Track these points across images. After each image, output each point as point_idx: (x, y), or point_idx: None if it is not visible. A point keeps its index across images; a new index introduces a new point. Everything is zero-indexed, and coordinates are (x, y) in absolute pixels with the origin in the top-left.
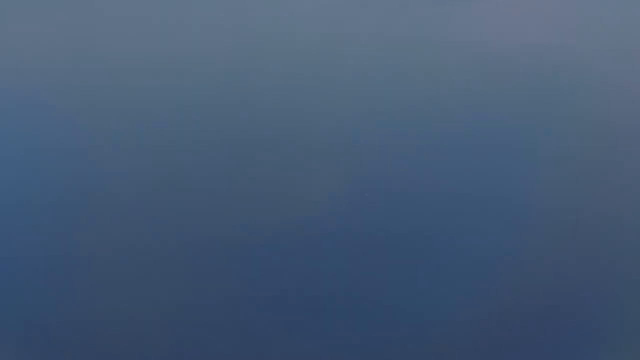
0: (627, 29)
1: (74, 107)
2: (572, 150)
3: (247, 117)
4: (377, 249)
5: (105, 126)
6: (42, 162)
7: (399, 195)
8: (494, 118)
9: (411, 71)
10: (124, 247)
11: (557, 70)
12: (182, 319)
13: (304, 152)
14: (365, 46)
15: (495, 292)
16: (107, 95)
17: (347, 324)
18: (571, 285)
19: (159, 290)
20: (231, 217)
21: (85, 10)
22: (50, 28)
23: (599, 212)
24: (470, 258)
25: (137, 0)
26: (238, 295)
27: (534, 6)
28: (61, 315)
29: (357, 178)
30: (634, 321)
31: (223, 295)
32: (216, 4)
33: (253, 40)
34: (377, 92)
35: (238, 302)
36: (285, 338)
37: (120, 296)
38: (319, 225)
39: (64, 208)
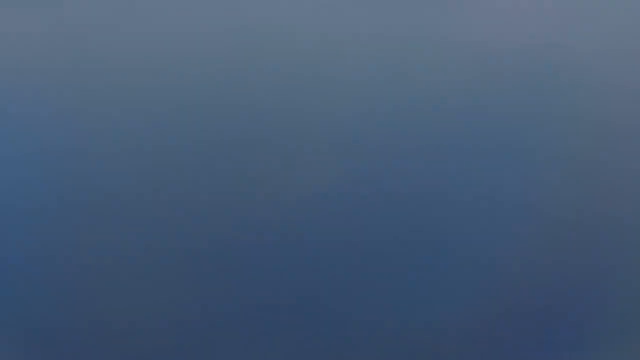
0: (629, 28)
1: (71, 107)
2: (573, 150)
3: (246, 117)
4: (377, 249)
5: (103, 126)
6: (40, 162)
7: (399, 196)
8: (494, 118)
9: (409, 70)
10: (122, 247)
11: (558, 69)
12: (180, 319)
13: (302, 152)
14: (363, 44)
15: (495, 292)
16: (105, 95)
17: (347, 325)
18: (571, 285)
19: (157, 291)
20: (230, 218)
21: (86, 8)
22: (48, 27)
23: (599, 212)
24: (471, 258)
25: None
26: (237, 296)
27: (534, 5)
28: (61, 317)
29: (356, 178)
30: (634, 321)
31: (221, 296)
32: (215, 3)
33: (252, 40)
34: (375, 91)
35: (237, 303)
36: (282, 340)
37: (120, 298)
38: (318, 225)
39: (61, 209)
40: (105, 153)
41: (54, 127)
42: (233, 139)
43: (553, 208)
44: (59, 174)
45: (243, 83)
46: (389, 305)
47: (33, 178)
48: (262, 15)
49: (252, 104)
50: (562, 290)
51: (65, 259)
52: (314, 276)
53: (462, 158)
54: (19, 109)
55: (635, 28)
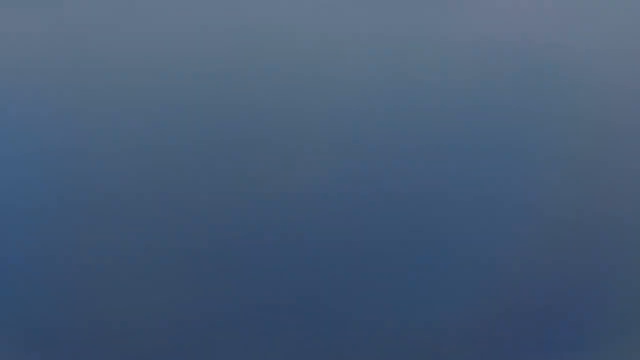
0: (629, 28)
1: (71, 107)
2: (573, 150)
3: (246, 117)
4: (377, 249)
5: (103, 126)
6: (40, 162)
7: (399, 196)
8: (494, 118)
9: (409, 70)
10: (122, 247)
11: (558, 69)
12: (180, 319)
13: (302, 152)
14: (363, 44)
15: (495, 292)
16: (105, 95)
17: (347, 325)
18: (571, 285)
19: (157, 291)
20: (230, 218)
21: (86, 8)
22: (48, 27)
23: (599, 212)
24: (471, 258)
25: None
26: (237, 296)
27: (534, 5)
28: (61, 317)
29: (356, 178)
30: (634, 321)
31: (221, 296)
32: (215, 3)
33: (252, 40)
34: (375, 91)
35: (237, 303)
36: (282, 340)
37: (120, 298)
38: (318, 225)
39: (61, 209)
40: (105, 153)
41: (54, 127)
42: (233, 139)
43: (553, 208)
44: (59, 174)
45: (243, 83)
46: (389, 305)
47: (33, 178)
48: (262, 16)
49: (252, 104)
50: (562, 290)
51: (65, 259)
52: (314, 276)
53: (462, 158)
54: (19, 109)
55: (635, 28)
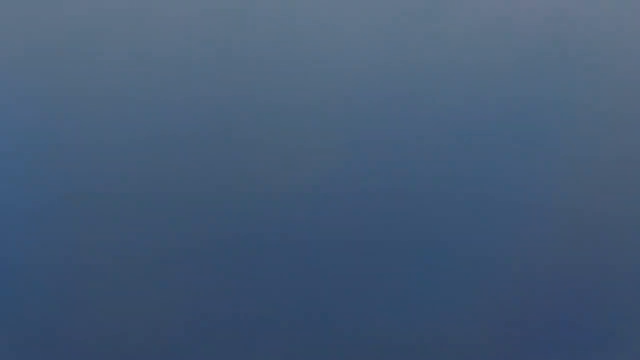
0: None
1: (71, 106)
2: (580, 147)
3: (244, 115)
4: (379, 249)
5: (103, 126)
6: (40, 162)
7: (402, 194)
8: (497, 116)
9: (412, 67)
10: (122, 247)
11: (565, 64)
12: (180, 319)
13: (302, 151)
14: (365, 42)
15: (495, 292)
16: (105, 94)
17: (347, 325)
18: (572, 287)
19: (157, 291)
20: (230, 217)
21: (86, 8)
22: (48, 27)
23: (600, 211)
24: (471, 259)
25: None
26: (237, 296)
27: None
28: (61, 317)
29: (357, 174)
30: (634, 322)
31: (221, 296)
32: (215, 1)
33: (252, 38)
34: (376, 87)
35: (237, 303)
36: (283, 340)
37: (120, 298)
38: (316, 225)
39: (61, 209)
40: (105, 152)
41: (54, 127)
42: (233, 137)
43: (557, 205)
44: (59, 174)
45: (243, 81)
46: (389, 305)
47: (33, 178)
48: (263, 15)
49: (252, 103)
50: (562, 290)
51: (65, 259)
52: (314, 276)
53: (463, 157)
54: (19, 109)
55: None
